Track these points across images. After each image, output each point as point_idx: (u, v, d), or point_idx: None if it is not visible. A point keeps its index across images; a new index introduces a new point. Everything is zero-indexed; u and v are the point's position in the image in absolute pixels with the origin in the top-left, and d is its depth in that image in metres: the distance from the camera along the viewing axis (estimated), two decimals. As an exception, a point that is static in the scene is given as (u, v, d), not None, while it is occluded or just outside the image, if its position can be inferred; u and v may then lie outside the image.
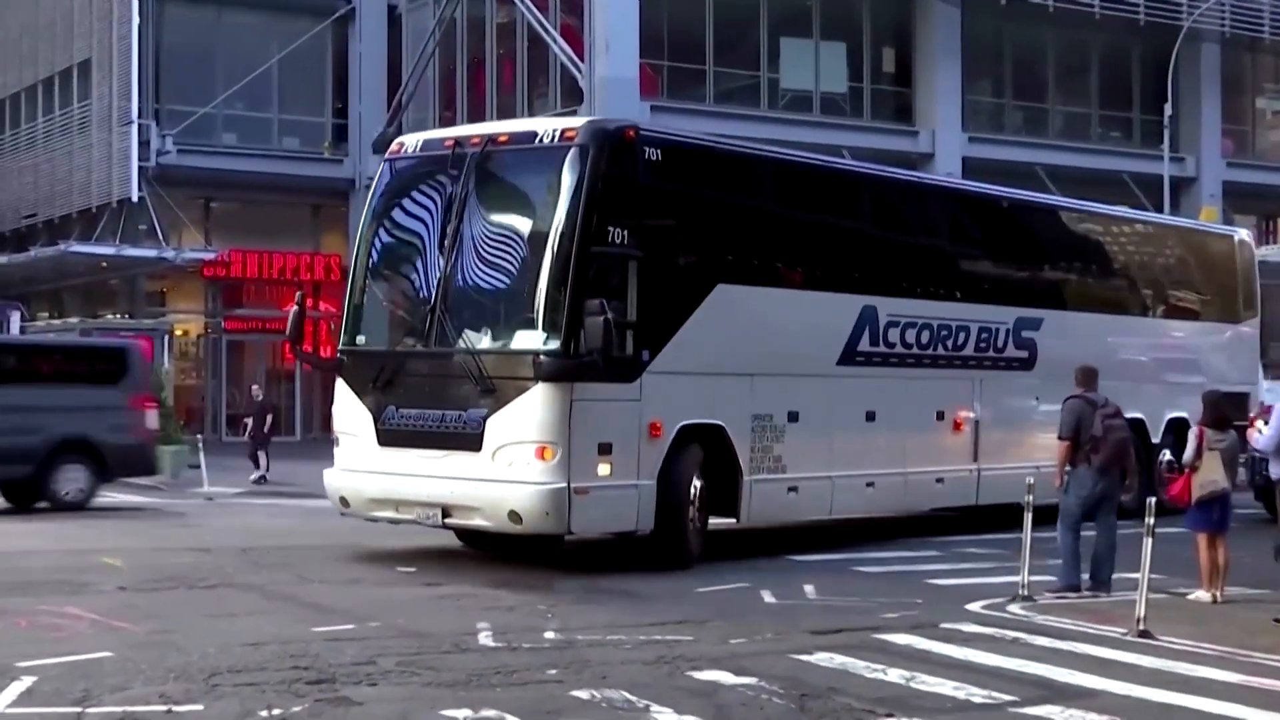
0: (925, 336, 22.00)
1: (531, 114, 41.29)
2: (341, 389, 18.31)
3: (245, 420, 34.75)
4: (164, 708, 9.98)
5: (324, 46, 46.48)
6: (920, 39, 46.89)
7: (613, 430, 16.70)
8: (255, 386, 36.73)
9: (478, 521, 17.04)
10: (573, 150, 16.93)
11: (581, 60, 39.13)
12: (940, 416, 22.53)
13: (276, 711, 9.91)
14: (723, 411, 18.28)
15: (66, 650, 11.94)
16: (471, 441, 16.53)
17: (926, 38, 46.20)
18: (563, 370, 15.93)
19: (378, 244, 19.07)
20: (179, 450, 32.94)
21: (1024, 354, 23.86)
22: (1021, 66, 49.53)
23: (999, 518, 22.29)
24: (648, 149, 17.64)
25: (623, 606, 15.46)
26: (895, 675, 11.69)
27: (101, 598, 14.53)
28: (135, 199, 42.86)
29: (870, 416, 20.72)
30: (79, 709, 9.93)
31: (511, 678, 11.19)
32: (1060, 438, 17.20)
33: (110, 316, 41.72)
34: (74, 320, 40.55)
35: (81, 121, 46.55)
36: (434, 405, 17.18)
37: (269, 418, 33.49)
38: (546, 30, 40.44)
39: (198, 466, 32.08)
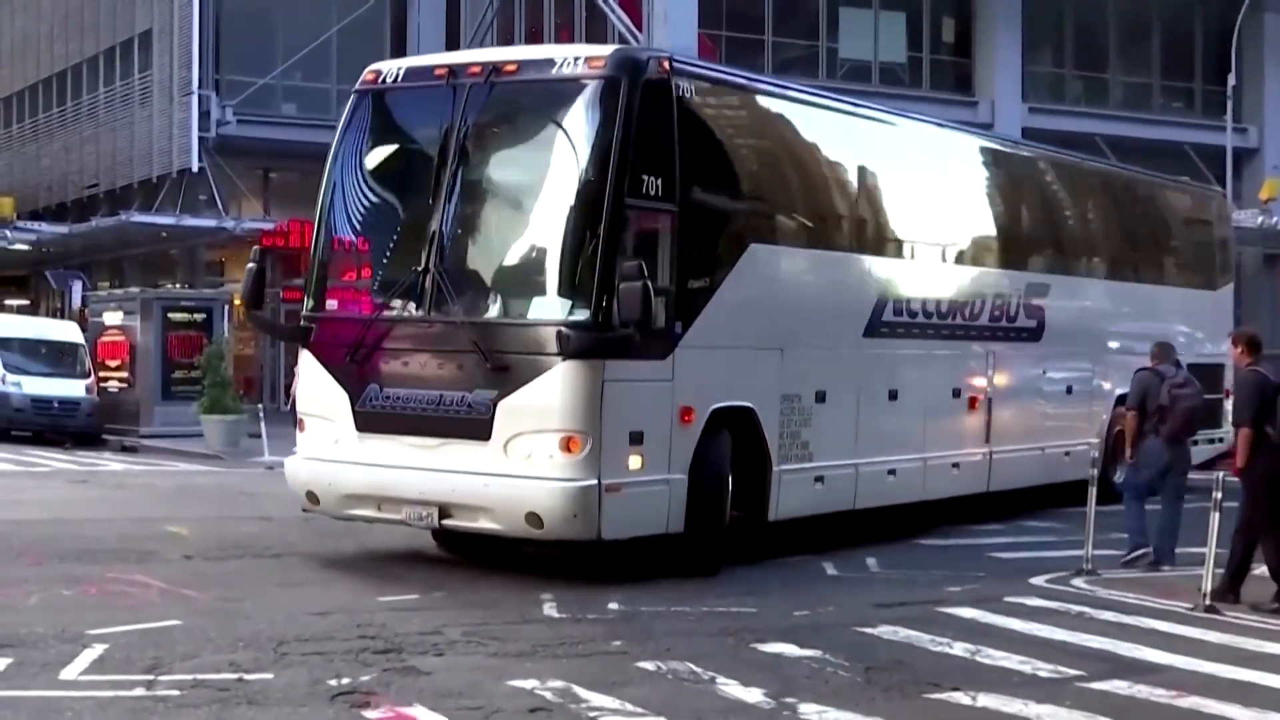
0: (945, 306, 19.26)
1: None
2: (308, 363, 14.89)
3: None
4: (234, 676, 10.07)
5: (382, 17, 46.46)
6: (980, 8, 46.69)
7: (644, 416, 13.66)
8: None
9: (484, 524, 13.50)
10: (599, 83, 13.80)
11: (640, 31, 39.04)
12: (956, 394, 19.60)
13: (345, 680, 9.98)
14: (752, 392, 15.23)
15: (136, 618, 12.07)
16: (477, 428, 13.40)
17: (986, 7, 46.04)
18: (594, 345, 12.77)
19: (351, 191, 15.26)
20: (238, 420, 33.15)
21: (1033, 323, 21.13)
22: (1082, 36, 49.29)
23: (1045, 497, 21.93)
24: (682, 83, 14.47)
25: (684, 578, 14.83)
26: (960, 649, 11.75)
27: (169, 566, 14.65)
28: (195, 169, 43.15)
29: (893, 395, 17.99)
30: (150, 676, 10.03)
31: (576, 648, 11.25)
32: (1127, 408, 16.86)
33: (170, 286, 41.84)
34: (134, 290, 40.60)
35: (143, 92, 46.77)
36: (429, 385, 13.92)
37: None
38: (605, 1, 40.38)
39: (258, 436, 31.97)
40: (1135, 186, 27.32)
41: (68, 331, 38.04)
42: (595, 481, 12.99)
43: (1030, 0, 45.66)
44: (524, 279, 14.25)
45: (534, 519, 12.84)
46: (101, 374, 36.60)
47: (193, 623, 11.84)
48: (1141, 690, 10.43)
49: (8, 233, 49.93)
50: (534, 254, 14.25)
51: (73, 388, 35.28)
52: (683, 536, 14.42)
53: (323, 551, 16.52)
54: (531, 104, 14.77)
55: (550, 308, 13.41)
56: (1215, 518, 13.83)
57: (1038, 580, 15.56)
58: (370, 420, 14.08)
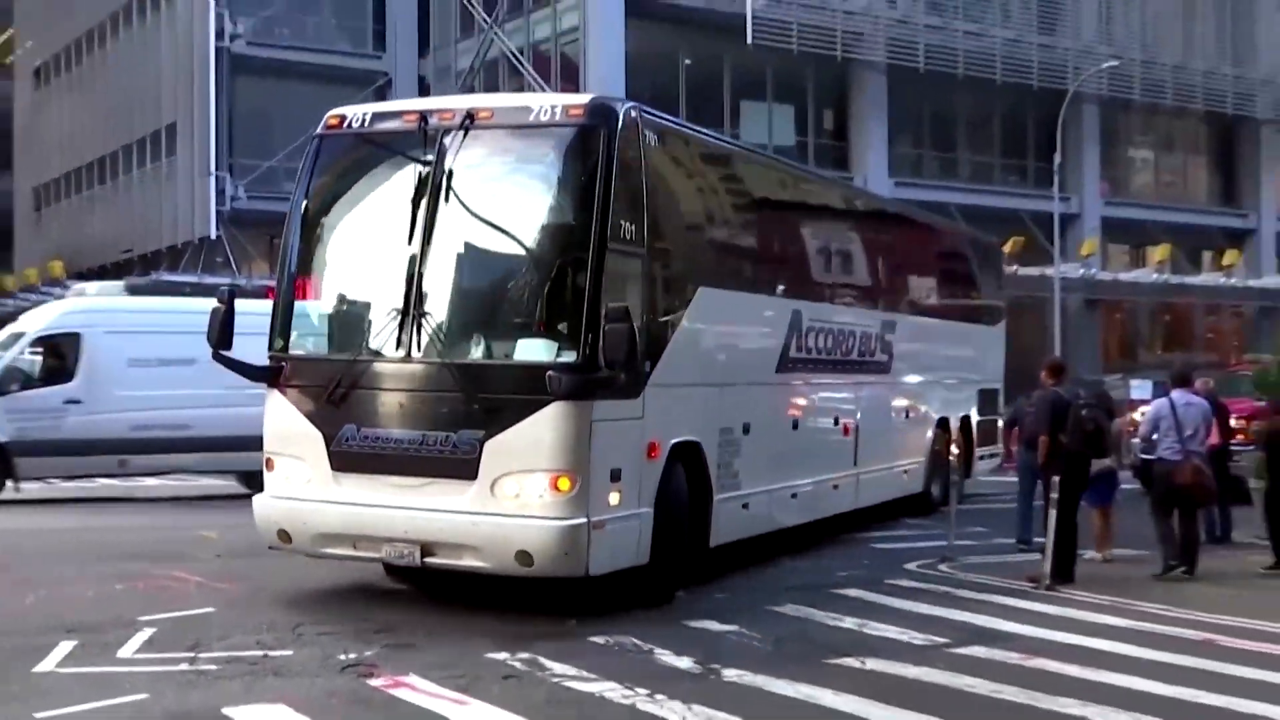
0: (831, 341, 17.73)
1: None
2: (277, 403, 12.13)
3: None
4: (261, 653, 10.15)
5: (367, 111, 46.49)
6: (854, 102, 47.18)
7: (621, 453, 11.61)
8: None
9: (470, 562, 11.25)
10: (580, 129, 11.80)
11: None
12: (836, 422, 18.13)
13: (352, 655, 10.07)
14: (699, 426, 13.28)
15: (177, 607, 12.10)
16: (462, 468, 11.14)
17: (859, 101, 46.52)
18: (584, 386, 10.77)
19: (318, 234, 12.78)
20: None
21: (885, 358, 19.83)
22: (937, 123, 49.81)
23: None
24: (648, 132, 12.52)
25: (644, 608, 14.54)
26: (850, 622, 11.92)
27: (203, 564, 14.59)
28: (213, 236, 43.45)
29: (795, 425, 16.52)
30: (192, 654, 10.07)
31: (543, 623, 11.40)
32: (1036, 429, 16.12)
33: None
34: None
35: (169, 173, 46.72)
36: (411, 425, 11.55)
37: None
38: (549, 93, 40.53)
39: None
40: (947, 238, 26.72)
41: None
42: (585, 520, 10.88)
43: (895, 95, 46.05)
44: (508, 321, 11.83)
45: (524, 557, 10.77)
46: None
47: (224, 610, 11.91)
48: (997, 654, 10.63)
49: (58, 290, 49.81)
50: (517, 296, 11.87)
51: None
52: (648, 568, 12.19)
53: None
54: (509, 149, 12.39)
55: (537, 349, 11.18)
56: (1052, 514, 14.10)
57: (911, 566, 15.70)
58: (347, 460, 11.56)
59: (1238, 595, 13.97)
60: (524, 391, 10.97)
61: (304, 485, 11.78)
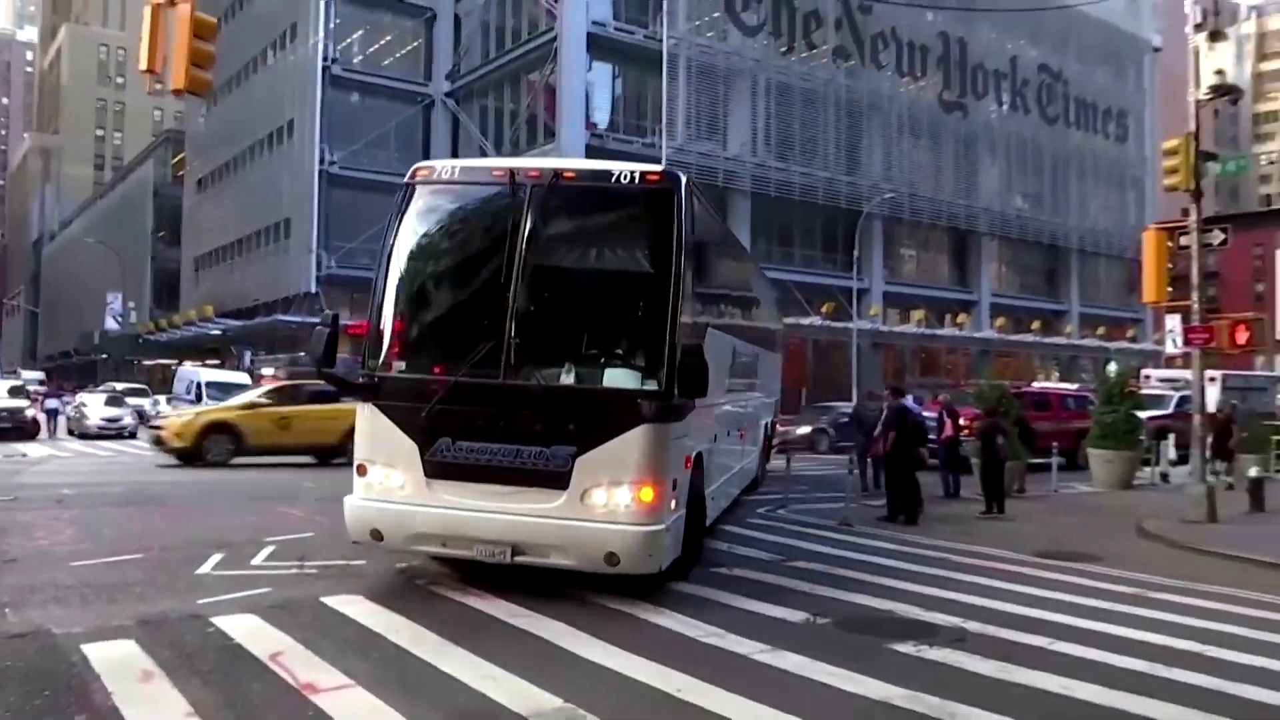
0: (742, 367, 15.56)
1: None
2: (373, 416, 9.50)
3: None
4: (345, 563, 10.16)
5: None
6: (729, 216, 47.55)
7: (677, 466, 9.63)
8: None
9: (558, 560, 9.00)
10: (658, 192, 9.60)
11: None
12: (741, 428, 15.70)
13: (405, 564, 10.09)
14: (703, 439, 11.01)
15: (290, 531, 12.08)
16: (554, 479, 8.90)
17: (733, 214, 46.83)
18: (667, 412, 8.82)
19: (412, 268, 10.22)
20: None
21: (753, 378, 17.25)
22: (781, 229, 50.13)
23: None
24: (695, 200, 10.34)
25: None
26: (723, 545, 11.87)
27: (306, 505, 14.53)
28: (313, 291, 42.85)
29: (728, 434, 13.99)
30: (300, 563, 10.11)
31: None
32: (887, 430, 15.59)
33: (301, 355, 41.38)
34: (282, 355, 40.22)
35: (285, 249, 46.46)
36: (506, 440, 9.04)
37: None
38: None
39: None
40: (770, 288, 23.71)
41: (242, 378, 37.44)
42: (664, 525, 8.83)
43: (755, 211, 46.13)
44: (597, 352, 9.36)
45: (612, 558, 8.67)
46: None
47: (321, 535, 11.83)
48: (816, 565, 10.81)
49: (209, 325, 49.26)
50: (606, 331, 9.48)
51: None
52: (679, 561, 9.77)
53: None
54: (593, 205, 9.87)
55: (625, 378, 8.98)
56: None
57: (759, 512, 15.53)
58: (442, 469, 9.01)
59: (962, 530, 14.13)
60: (615, 414, 8.64)
61: (397, 490, 9.07)
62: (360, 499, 9.19)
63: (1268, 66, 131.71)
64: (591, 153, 39.47)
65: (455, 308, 9.63)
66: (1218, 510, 15.31)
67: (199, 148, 62.92)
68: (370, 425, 9.15)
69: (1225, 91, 16.32)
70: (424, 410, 8.75)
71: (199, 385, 35.27)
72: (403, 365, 9.30)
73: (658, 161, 38.68)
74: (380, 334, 9.36)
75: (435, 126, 47.15)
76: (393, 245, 9.52)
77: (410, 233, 9.65)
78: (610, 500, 8.53)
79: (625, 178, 9.24)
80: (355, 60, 46.46)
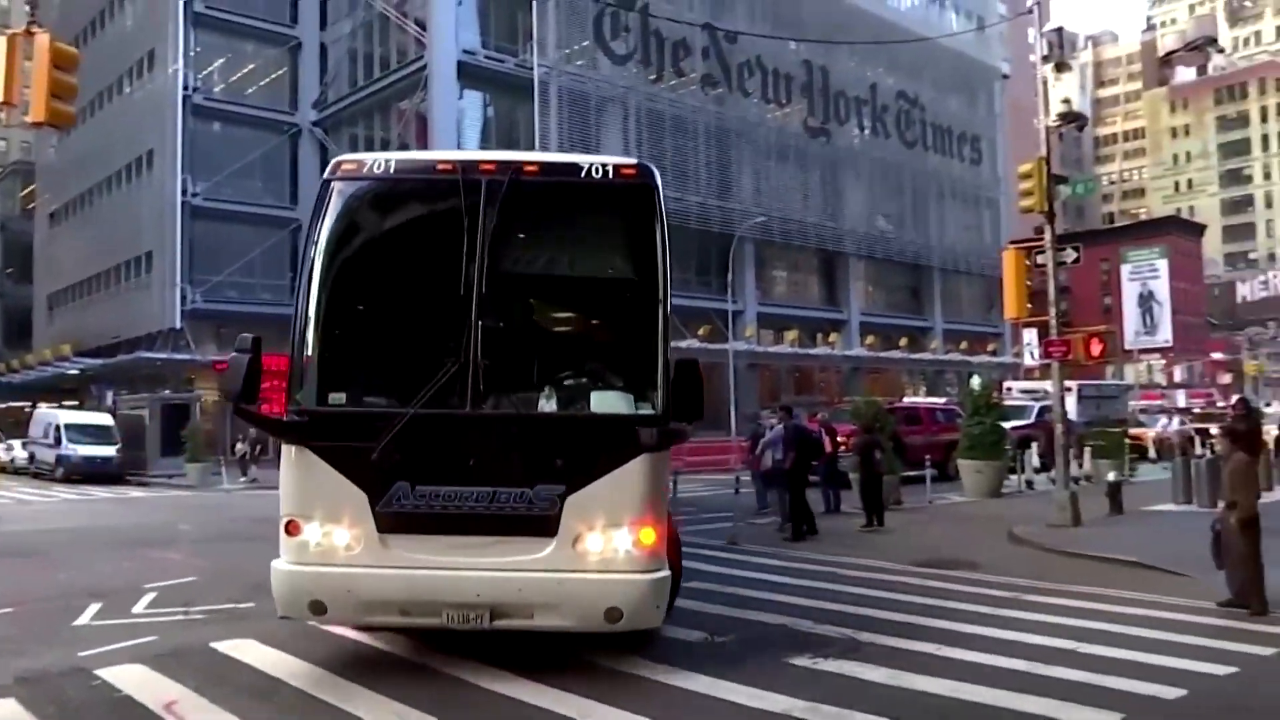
0: None
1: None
2: (305, 461, 7.49)
3: (243, 448, 33.09)
4: (232, 605, 9.93)
5: (285, 243, 45.31)
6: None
7: (666, 497, 8.08)
8: (252, 430, 35.07)
9: (548, 622, 7.37)
10: (636, 187, 7.96)
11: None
12: None
13: (296, 605, 9.89)
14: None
15: (170, 577, 11.74)
16: (540, 525, 7.28)
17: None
18: (666, 438, 7.40)
19: (344, 282, 8.06)
20: (207, 465, 31.43)
21: None
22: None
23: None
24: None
25: None
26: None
27: (184, 548, 14.11)
28: (178, 326, 41.47)
29: None
30: (185, 609, 9.83)
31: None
32: (790, 449, 15.82)
33: (166, 392, 39.85)
34: (145, 395, 38.60)
35: (147, 284, 44.66)
36: (479, 481, 7.32)
37: (257, 447, 32.21)
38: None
39: (218, 474, 30.70)
40: None
41: (104, 419, 35.89)
42: (668, 570, 7.39)
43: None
44: (578, 373, 7.75)
45: (614, 613, 7.07)
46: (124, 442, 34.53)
47: (204, 579, 11.58)
48: (708, 584, 10.83)
49: (67, 364, 47.24)
50: (587, 348, 7.99)
51: (108, 450, 33.09)
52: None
53: (269, 535, 15.78)
54: (562, 204, 8.07)
55: (615, 402, 7.45)
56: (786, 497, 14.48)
57: None
58: (398, 521, 7.22)
59: (845, 544, 14.56)
60: (609, 444, 7.13)
61: (343, 551, 7.12)
62: (291, 564, 7.11)
63: (1105, 93, 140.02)
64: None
65: (403, 327, 7.74)
66: (1081, 514, 16.17)
67: (51, 180, 60.11)
68: (302, 472, 7.14)
69: (1072, 119, 17.41)
70: (373, 451, 6.94)
71: (58, 427, 33.73)
72: (341, 397, 7.35)
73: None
74: (308, 361, 7.36)
75: (303, 156, 46.20)
76: (315, 256, 7.50)
77: (337, 240, 7.65)
78: (608, 545, 7.06)
79: (597, 171, 7.74)
80: (217, 89, 45.22)
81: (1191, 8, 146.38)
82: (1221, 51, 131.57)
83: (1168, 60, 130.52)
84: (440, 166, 7.87)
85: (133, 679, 7.26)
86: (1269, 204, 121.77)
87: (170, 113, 42.98)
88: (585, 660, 7.79)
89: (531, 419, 7.20)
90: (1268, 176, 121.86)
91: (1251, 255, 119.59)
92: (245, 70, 46.55)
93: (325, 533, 7.10)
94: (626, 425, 7.14)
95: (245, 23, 45.09)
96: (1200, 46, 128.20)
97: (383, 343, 7.73)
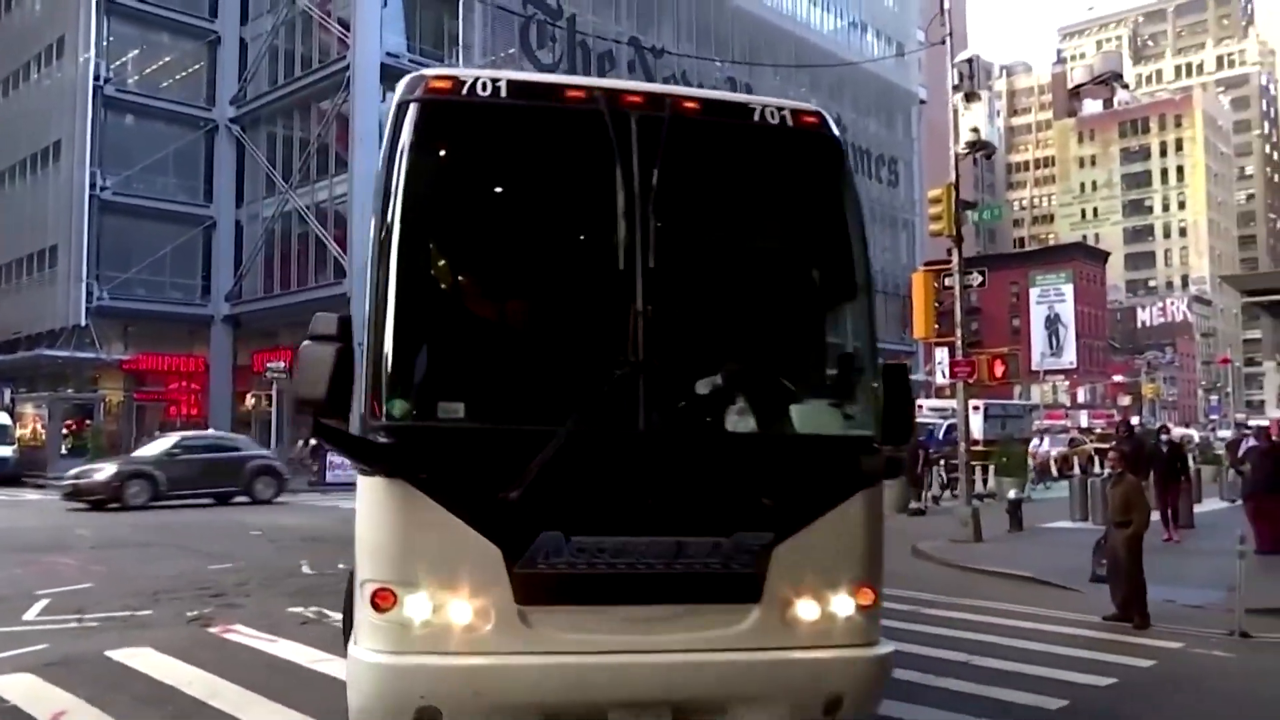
0: None
1: (317, 281, 40.29)
2: (407, 502, 4.40)
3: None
4: (129, 613, 9.74)
5: (197, 241, 44.40)
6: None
7: None
8: (157, 431, 34.31)
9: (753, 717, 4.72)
10: (819, 140, 5.41)
11: (345, 254, 38.47)
12: None
13: (195, 612, 9.75)
14: None
15: (64, 583, 11.44)
16: (739, 586, 4.73)
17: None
18: (893, 468, 5.24)
19: (447, 248, 4.94)
20: (109, 467, 30.55)
21: None
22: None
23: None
24: None
25: None
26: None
27: (81, 553, 13.72)
28: (83, 324, 40.21)
29: None
30: (79, 616, 9.58)
31: (324, 589, 11.04)
32: None
33: (68, 391, 38.61)
34: (44, 394, 37.36)
35: (52, 279, 43.16)
36: (658, 528, 4.59)
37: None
38: (327, 238, 39.68)
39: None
40: None
41: (1, 419, 34.65)
42: (890, 646, 5.19)
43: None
44: (773, 381, 5.44)
45: (834, 703, 4.96)
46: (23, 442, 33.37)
47: (100, 585, 11.31)
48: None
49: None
50: (781, 348, 5.68)
51: (4, 450, 32.00)
52: None
53: (173, 541, 15.55)
54: (734, 155, 5.44)
55: (823, 418, 5.33)
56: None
57: None
58: (546, 587, 4.61)
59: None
60: (824, 475, 5.05)
61: (462, 632, 4.65)
62: (384, 653, 4.58)
63: (1019, 121, 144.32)
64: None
65: (535, 313, 5.29)
66: (983, 530, 16.65)
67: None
68: (403, 517, 4.61)
69: (980, 147, 17.92)
70: (514, 486, 4.54)
71: (-49, 427, 32.54)
72: (457, 409, 4.73)
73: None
74: (400, 357, 4.67)
75: (219, 152, 45.27)
76: (398, 209, 4.85)
77: (434, 188, 5.02)
78: (824, 611, 4.98)
79: (773, 115, 5.36)
80: (131, 80, 44.04)
81: (1099, 44, 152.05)
82: (1126, 87, 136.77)
83: (1076, 92, 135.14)
84: (571, 94, 5.22)
85: (21, 689, 7.05)
86: (1167, 234, 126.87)
87: (80, 103, 41.75)
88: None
89: (733, 441, 5.00)
90: (1166, 208, 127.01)
91: (1151, 283, 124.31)
92: (161, 63, 45.47)
93: (438, 606, 4.52)
94: (846, 449, 5.12)
95: (162, 14, 44.04)
96: (1106, 81, 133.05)
97: (507, 334, 5.17)
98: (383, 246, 4.79)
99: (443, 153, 5.14)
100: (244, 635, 8.75)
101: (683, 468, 4.75)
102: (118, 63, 43.66)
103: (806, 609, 4.89)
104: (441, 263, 5.06)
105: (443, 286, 5.07)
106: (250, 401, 40.91)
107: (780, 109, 5.40)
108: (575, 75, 45.86)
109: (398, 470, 4.53)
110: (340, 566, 12.75)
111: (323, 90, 41.40)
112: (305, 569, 12.69)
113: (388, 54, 39.82)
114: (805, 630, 4.90)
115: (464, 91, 5.01)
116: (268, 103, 44.12)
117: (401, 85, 5.12)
